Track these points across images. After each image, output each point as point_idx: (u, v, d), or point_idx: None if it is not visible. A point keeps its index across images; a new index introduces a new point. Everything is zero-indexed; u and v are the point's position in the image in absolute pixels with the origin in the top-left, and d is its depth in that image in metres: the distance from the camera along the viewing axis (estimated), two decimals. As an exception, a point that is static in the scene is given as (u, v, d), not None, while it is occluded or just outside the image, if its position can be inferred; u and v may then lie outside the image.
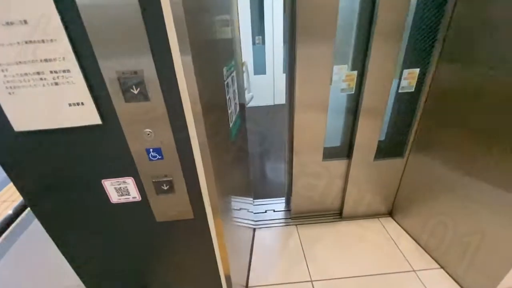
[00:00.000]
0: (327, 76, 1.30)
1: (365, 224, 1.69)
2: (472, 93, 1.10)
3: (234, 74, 1.01)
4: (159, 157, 0.66)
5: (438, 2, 1.17)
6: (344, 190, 1.65)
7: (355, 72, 1.32)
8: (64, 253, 0.81)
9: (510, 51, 0.93)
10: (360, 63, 1.31)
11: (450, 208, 1.27)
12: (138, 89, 0.57)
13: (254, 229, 1.69)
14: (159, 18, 0.51)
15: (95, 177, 0.68)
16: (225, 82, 0.87)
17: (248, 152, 1.68)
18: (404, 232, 1.60)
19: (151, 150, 0.65)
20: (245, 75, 2.73)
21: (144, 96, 0.58)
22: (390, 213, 1.75)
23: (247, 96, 1.97)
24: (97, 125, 0.60)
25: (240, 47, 2.18)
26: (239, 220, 1.25)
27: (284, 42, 3.82)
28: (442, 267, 1.35)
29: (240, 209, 1.37)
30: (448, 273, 1.32)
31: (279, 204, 1.91)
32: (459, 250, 1.24)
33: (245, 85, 2.50)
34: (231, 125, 0.95)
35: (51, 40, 0.52)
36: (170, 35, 0.53)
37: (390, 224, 1.67)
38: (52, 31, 0.51)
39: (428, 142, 1.37)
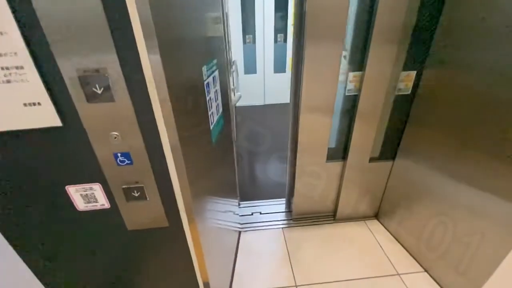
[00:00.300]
0: (334, 77, 1.28)
1: (356, 226, 1.68)
2: (454, 97, 1.10)
3: (216, 73, 0.97)
4: (128, 162, 0.62)
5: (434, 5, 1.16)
6: (339, 192, 1.64)
7: (361, 73, 1.31)
8: (28, 265, 0.75)
9: (496, 57, 0.93)
10: (359, 64, 1.30)
11: (435, 211, 1.27)
12: (102, 88, 0.52)
13: (240, 232, 1.65)
14: (123, 12, 0.47)
15: (58, 183, 0.63)
16: (205, 82, 0.82)
17: (234, 153, 1.64)
18: (390, 235, 1.60)
19: (119, 154, 0.60)
20: (234, 74, 2.69)
21: (109, 96, 0.53)
22: (376, 215, 1.74)
23: (235, 96, 1.93)
24: (57, 128, 0.55)
25: (228, 46, 2.13)
26: (223, 223, 1.21)
27: (275, 41, 3.79)
28: (425, 270, 1.36)
29: (226, 211, 1.33)
30: (431, 277, 1.32)
31: (277, 205, 1.88)
32: (442, 254, 1.24)
33: (233, 84, 2.46)
34: (212, 126, 0.91)
35: (1, 33, 0.47)
36: (136, 31, 0.48)
37: (377, 227, 1.67)
38: (0, 23, 0.45)
39: (413, 145, 1.37)
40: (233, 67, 2.93)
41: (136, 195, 0.67)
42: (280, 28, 3.73)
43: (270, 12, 3.60)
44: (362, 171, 1.55)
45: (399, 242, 1.54)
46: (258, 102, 4.27)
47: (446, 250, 1.22)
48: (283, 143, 2.95)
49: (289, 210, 1.82)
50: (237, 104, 4.22)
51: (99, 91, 0.52)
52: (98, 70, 0.50)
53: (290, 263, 1.44)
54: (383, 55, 1.23)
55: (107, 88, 0.52)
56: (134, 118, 0.56)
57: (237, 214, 1.74)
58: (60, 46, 0.48)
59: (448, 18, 1.12)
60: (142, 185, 0.65)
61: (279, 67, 4.00)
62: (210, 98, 0.88)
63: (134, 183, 0.65)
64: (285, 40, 3.80)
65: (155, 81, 0.53)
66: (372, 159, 1.53)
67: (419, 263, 1.39)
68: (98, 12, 0.46)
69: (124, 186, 0.65)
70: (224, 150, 1.21)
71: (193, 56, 0.72)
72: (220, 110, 1.05)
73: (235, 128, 3.01)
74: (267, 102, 4.28)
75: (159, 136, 0.59)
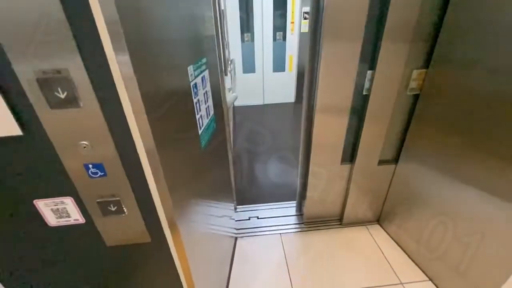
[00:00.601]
0: (352, 75, 1.22)
1: (360, 232, 1.61)
2: (460, 96, 1.03)
3: (206, 73, 0.91)
4: (102, 174, 0.55)
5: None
6: (346, 195, 1.58)
7: (372, 72, 1.24)
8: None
9: (498, 55, 0.86)
10: (370, 62, 1.23)
11: (440, 216, 1.20)
12: (65, 92, 0.46)
13: (236, 238, 1.59)
14: (84, 9, 0.40)
15: (25, 197, 0.57)
16: (192, 83, 0.76)
17: (230, 156, 1.58)
18: (393, 241, 1.53)
19: (90, 166, 0.54)
20: (231, 74, 2.62)
21: (73, 101, 0.47)
22: (378, 220, 1.68)
23: (230, 96, 1.86)
24: (17, 137, 0.49)
25: (225, 44, 2.06)
26: (216, 229, 1.15)
27: (274, 39, 3.72)
28: (430, 279, 1.29)
29: (221, 216, 1.27)
30: (436, 286, 1.26)
31: (288, 208, 1.82)
32: (449, 263, 1.17)
33: (230, 84, 2.38)
34: (200, 130, 0.85)
35: None
36: (101, 31, 0.42)
37: (379, 232, 1.60)
38: None
39: (417, 146, 1.30)
40: (231, 66, 2.87)
41: (113, 209, 0.60)
42: (279, 26, 3.66)
43: (268, 9, 3.53)
44: (371, 174, 1.49)
45: (402, 248, 1.47)
46: (257, 101, 4.20)
47: (453, 258, 1.15)
48: (284, 143, 2.89)
49: (300, 213, 1.76)
50: (236, 104, 4.18)
51: (62, 96, 0.46)
52: (59, 71, 0.44)
53: (289, 271, 1.38)
54: (395, 52, 1.16)
55: (71, 92, 0.46)
56: (105, 125, 0.50)
57: (234, 219, 1.67)
58: (14, 46, 0.42)
59: (454, 14, 1.04)
60: (119, 198, 0.59)
61: (278, 66, 3.93)
62: (198, 100, 0.82)
63: (110, 197, 0.59)
64: (284, 38, 3.73)
65: (126, 84, 0.46)
66: (381, 162, 1.46)
67: (423, 271, 1.33)
68: (55, 9, 0.40)
69: (99, 200, 0.59)
70: (217, 154, 1.14)
71: (176, 55, 0.66)
72: (211, 112, 0.99)
73: (232, 130, 2.95)
74: (266, 102, 4.21)
75: (134, 144, 0.52)
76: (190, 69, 0.75)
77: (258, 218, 1.75)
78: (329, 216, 1.69)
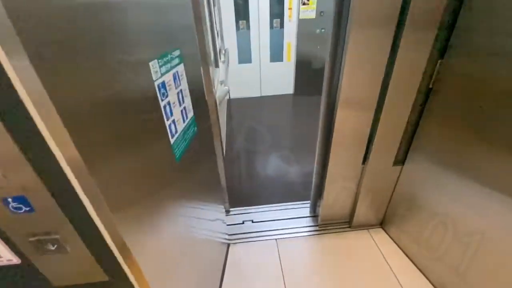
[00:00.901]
0: (382, 67, 1.08)
1: (365, 236, 1.50)
2: (477, 88, 0.88)
3: (179, 68, 0.76)
4: (27, 208, 0.42)
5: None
6: (356, 197, 1.46)
7: None
8: None
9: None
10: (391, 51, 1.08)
11: (441, 217, 1.08)
12: None
13: (228, 245, 1.48)
14: None
15: None
16: (157, 82, 0.62)
17: (219, 157, 1.45)
18: (398, 247, 1.42)
19: (10, 200, 0.41)
20: (222, 65, 2.44)
21: (-38, 118, 0.33)
22: (381, 224, 1.56)
23: (221, 90, 1.71)
24: None
25: (212, 33, 1.89)
26: (203, 238, 1.04)
27: (271, 27, 3.51)
28: (431, 283, 1.18)
29: (210, 221, 1.16)
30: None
31: (301, 209, 1.70)
32: (461, 272, 1.06)
33: (223, 77, 2.22)
34: (174, 139, 0.71)
35: None
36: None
37: (383, 236, 1.49)
38: None
39: (427, 144, 1.16)
40: (222, 57, 2.69)
41: (52, 248, 0.48)
42: (276, 13, 3.44)
43: (264, -6, 3.30)
44: (385, 175, 1.36)
45: (407, 255, 1.36)
46: (254, 93, 4.03)
47: (460, 267, 1.04)
48: (283, 139, 2.75)
49: (314, 214, 1.65)
50: (232, 96, 4.02)
51: None
52: None
53: (284, 281, 1.27)
54: (418, 40, 1.01)
55: (-46, 106, 0.32)
56: (16, 148, 0.37)
57: (226, 223, 1.56)
58: None
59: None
60: (57, 236, 0.46)
61: (275, 56, 3.74)
62: (168, 102, 0.68)
63: (45, 235, 0.46)
64: (281, 25, 3.52)
65: (33, 94, 0.32)
66: (396, 162, 1.33)
67: (431, 283, 1.22)
68: None
69: (31, 239, 0.46)
70: (201, 158, 1.01)
71: (125, 49, 0.51)
72: (190, 114, 0.85)
73: (225, 125, 2.80)
74: (263, 94, 4.04)
75: (62, 169, 0.39)
76: (154, 65, 0.60)
77: (252, 222, 1.64)
78: (340, 219, 1.59)
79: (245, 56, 3.70)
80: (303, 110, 3.53)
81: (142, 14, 0.58)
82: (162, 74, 0.64)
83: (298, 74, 3.82)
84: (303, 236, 1.51)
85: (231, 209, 1.73)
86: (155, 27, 0.64)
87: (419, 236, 1.26)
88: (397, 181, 1.38)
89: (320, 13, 3.34)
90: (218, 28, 2.81)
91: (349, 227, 1.56)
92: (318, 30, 3.47)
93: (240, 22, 3.46)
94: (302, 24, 3.41)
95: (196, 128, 0.91)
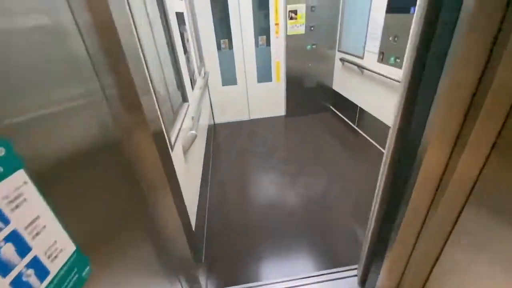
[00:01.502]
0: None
1: None
2: None
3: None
4: None
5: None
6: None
7: None
8: None
9: None
10: None
11: None
12: None
13: None
14: None
15: None
16: None
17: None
18: None
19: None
20: (197, 93, 2.02)
21: None
22: None
23: (186, 136, 1.27)
24: None
25: (176, 58, 1.50)
26: None
27: (257, 45, 3.15)
28: None
29: None
30: None
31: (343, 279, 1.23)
32: None
33: (193, 112, 1.77)
34: None
35: None
36: None
37: None
38: None
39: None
40: (200, 81, 2.27)
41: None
42: (261, 29, 3.10)
43: (247, 10, 2.96)
44: None
45: None
46: (242, 117, 3.62)
47: None
48: (281, 166, 2.30)
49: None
50: (217, 121, 3.59)
51: None
52: None
53: None
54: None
55: None
56: None
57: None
58: None
59: None
60: None
61: (263, 76, 3.37)
62: None
63: None
64: (268, 43, 3.17)
65: None
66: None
67: None
68: None
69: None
70: None
71: None
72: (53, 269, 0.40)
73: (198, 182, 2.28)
74: (252, 117, 3.64)
75: None
76: None
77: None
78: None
79: (229, 78, 3.31)
80: (299, 131, 3.16)
81: None
82: None
83: (289, 94, 3.45)
84: None
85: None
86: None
87: None
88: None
89: (310, 27, 3.02)
90: (195, 50, 2.43)
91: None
92: (308, 46, 3.13)
93: (222, 41, 3.09)
94: (291, 40, 3.07)
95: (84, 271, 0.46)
